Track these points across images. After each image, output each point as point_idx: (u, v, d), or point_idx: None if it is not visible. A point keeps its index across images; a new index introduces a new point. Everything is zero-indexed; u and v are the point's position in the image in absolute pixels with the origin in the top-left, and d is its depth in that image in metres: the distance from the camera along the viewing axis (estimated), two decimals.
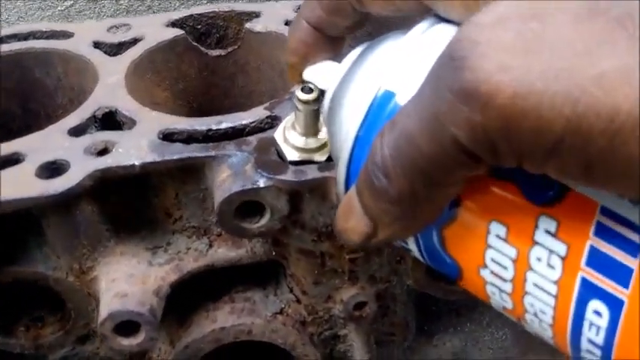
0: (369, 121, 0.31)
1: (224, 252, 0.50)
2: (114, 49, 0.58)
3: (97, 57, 0.56)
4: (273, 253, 0.50)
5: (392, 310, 0.55)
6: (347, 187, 0.32)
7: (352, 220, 0.30)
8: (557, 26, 0.23)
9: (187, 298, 0.52)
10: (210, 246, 0.50)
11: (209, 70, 0.62)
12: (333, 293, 0.51)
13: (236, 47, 0.61)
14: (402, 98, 0.29)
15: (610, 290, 0.25)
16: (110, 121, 0.50)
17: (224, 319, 0.51)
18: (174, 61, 0.59)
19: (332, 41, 0.37)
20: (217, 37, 0.62)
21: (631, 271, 0.24)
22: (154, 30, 0.59)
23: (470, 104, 0.23)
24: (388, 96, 0.30)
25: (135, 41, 0.58)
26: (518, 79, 0.22)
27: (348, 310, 0.52)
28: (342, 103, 0.33)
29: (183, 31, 0.60)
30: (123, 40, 0.58)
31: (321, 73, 0.37)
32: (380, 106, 0.30)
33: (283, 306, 0.53)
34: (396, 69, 0.30)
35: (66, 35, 0.59)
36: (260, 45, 0.60)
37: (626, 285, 0.25)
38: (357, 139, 0.31)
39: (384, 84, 0.30)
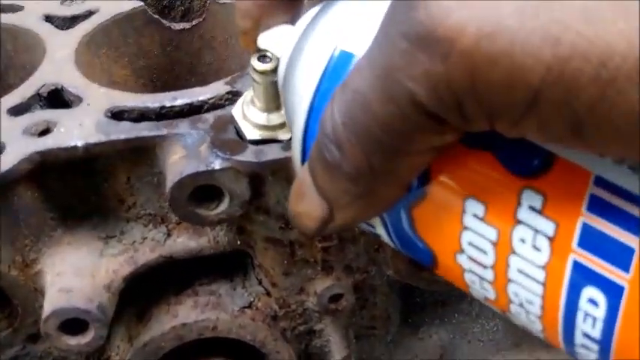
0: (323, 88, 0.27)
1: (184, 242, 0.46)
2: (66, 23, 0.54)
3: (47, 31, 0.52)
4: (238, 243, 0.46)
5: (371, 302, 0.52)
6: None
7: (305, 203, 0.26)
8: None
9: (147, 290, 0.48)
10: (169, 235, 0.46)
11: (173, 45, 0.58)
12: (306, 285, 0.48)
13: (201, 20, 0.57)
14: None
15: (607, 275, 0.21)
16: (58, 99, 0.46)
17: (186, 314, 0.48)
18: (133, 35, 0.55)
19: (288, 2, 0.32)
20: (182, 10, 0.58)
21: (632, 251, 0.21)
22: (111, 2, 0.55)
23: (427, 52, 0.19)
24: (345, 57, 0.26)
25: (90, 14, 0.54)
26: (483, 16, 0.18)
27: (323, 302, 0.48)
28: (296, 69, 0.29)
29: (142, 3, 0.55)
30: (76, 13, 0.54)
31: (277, 39, 0.33)
32: (336, 70, 0.26)
33: (252, 299, 0.49)
34: (354, 26, 0.26)
35: (14, 9, 0.55)
36: (227, 17, 0.56)
37: (626, 268, 0.21)
38: (311, 109, 0.27)
39: (340, 43, 0.27)
